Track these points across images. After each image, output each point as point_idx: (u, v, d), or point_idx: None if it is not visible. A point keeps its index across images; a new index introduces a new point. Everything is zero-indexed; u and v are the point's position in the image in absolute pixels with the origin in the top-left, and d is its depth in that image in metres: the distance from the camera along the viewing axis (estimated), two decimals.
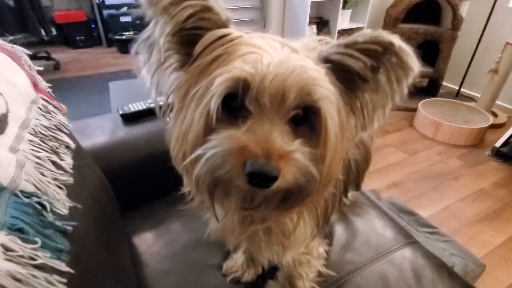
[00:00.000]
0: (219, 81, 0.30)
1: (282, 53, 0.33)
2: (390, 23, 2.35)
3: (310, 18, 2.15)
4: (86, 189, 0.51)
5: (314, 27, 2.31)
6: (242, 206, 0.36)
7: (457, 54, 2.51)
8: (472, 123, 2.07)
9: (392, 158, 1.87)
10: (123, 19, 3.75)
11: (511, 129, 1.95)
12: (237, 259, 0.63)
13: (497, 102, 2.29)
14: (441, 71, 2.44)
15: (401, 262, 0.62)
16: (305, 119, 0.33)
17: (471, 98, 2.55)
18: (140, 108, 0.86)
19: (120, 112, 0.85)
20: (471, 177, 1.75)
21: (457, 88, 2.57)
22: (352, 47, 0.33)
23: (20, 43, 3.00)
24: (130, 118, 0.85)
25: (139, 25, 3.75)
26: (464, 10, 2.28)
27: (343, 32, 2.36)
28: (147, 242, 0.69)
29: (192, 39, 0.35)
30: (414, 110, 2.25)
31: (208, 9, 0.33)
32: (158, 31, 0.35)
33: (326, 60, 0.34)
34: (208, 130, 0.32)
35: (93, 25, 3.89)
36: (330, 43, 0.36)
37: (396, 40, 0.32)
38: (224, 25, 0.35)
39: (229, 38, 0.34)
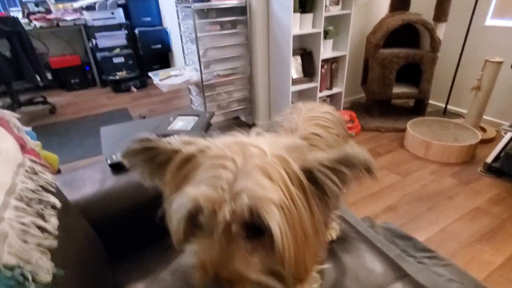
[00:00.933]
0: (176, 207, 0.36)
1: (241, 165, 0.36)
2: (371, 49, 2.45)
3: (294, 50, 2.23)
4: (71, 248, 0.52)
5: (299, 57, 2.40)
6: None
7: (440, 73, 2.59)
8: (461, 140, 2.10)
9: (385, 181, 1.88)
10: (116, 60, 3.87)
11: (500, 143, 1.98)
12: None
13: (485, 117, 2.34)
14: (426, 91, 2.51)
15: None
16: (261, 232, 0.35)
17: (458, 115, 2.61)
18: None
19: (109, 162, 0.87)
20: (465, 195, 1.75)
21: (444, 105, 2.63)
22: (333, 170, 0.37)
23: (17, 89, 3.09)
24: (118, 167, 0.86)
25: (131, 65, 3.88)
26: (441, 32, 2.38)
27: (327, 61, 2.44)
28: None
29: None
30: (404, 130, 2.29)
31: (149, 149, 0.42)
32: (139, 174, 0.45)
33: (306, 170, 0.38)
34: (187, 234, 0.38)
35: (87, 68, 4.02)
36: (314, 155, 0.39)
37: (362, 156, 0.36)
38: (177, 150, 0.41)
39: (188, 158, 0.40)
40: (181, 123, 1.38)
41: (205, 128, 1.33)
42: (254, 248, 0.35)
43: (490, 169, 1.92)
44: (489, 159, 1.94)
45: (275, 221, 0.33)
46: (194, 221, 0.37)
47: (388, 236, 1.27)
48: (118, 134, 1.34)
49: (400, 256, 1.19)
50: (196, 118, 1.42)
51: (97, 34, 3.81)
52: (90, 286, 0.53)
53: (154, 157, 0.43)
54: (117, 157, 0.88)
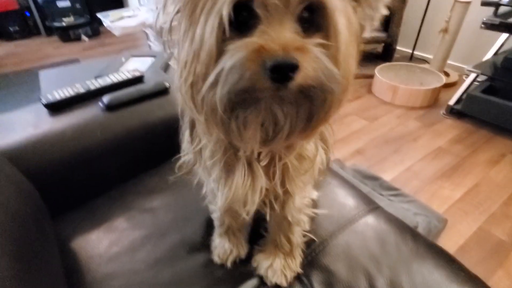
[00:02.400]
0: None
1: None
2: None
3: None
4: None
5: None
6: (264, 137, 0.35)
7: (408, 17, 2.53)
8: (426, 84, 2.12)
9: (353, 126, 1.88)
10: (60, 3, 3.40)
11: (462, 86, 2.01)
12: (223, 244, 0.59)
13: (449, 62, 2.36)
14: (395, 35, 2.46)
15: (364, 230, 0.59)
16: (313, 21, 0.32)
17: (424, 60, 2.61)
18: (67, 95, 0.75)
19: (44, 102, 0.73)
20: (428, 136, 1.80)
21: (411, 51, 2.61)
22: None
23: None
24: (56, 108, 0.74)
25: (79, 10, 3.44)
26: None
27: None
28: (87, 245, 0.60)
29: None
30: (372, 76, 2.26)
31: None
32: None
33: None
34: (221, 45, 0.30)
35: (27, 13, 3.51)
36: None
37: None
38: None
39: None
40: (135, 64, 1.23)
41: (164, 68, 1.19)
42: (309, 32, 0.32)
43: (452, 111, 1.97)
44: (451, 102, 1.98)
45: (336, 3, 0.30)
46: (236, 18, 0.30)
47: (357, 176, 1.28)
48: (59, 79, 1.16)
49: (370, 193, 1.21)
50: (153, 58, 1.26)
51: None
52: (24, 245, 0.44)
53: None
54: (53, 96, 0.74)
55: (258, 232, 0.61)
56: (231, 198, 0.44)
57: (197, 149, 0.46)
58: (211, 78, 0.30)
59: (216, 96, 0.30)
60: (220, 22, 0.29)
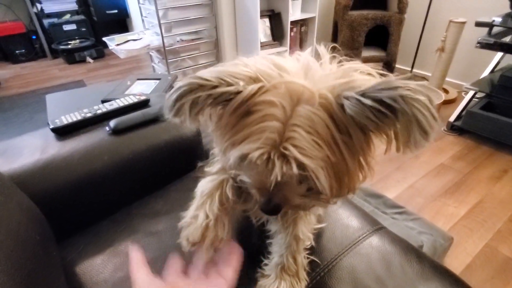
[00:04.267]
0: (232, 159, 0.38)
1: (290, 112, 0.35)
2: (340, 11, 2.37)
3: (261, 12, 2.11)
4: (2, 229, 0.43)
5: (267, 20, 2.27)
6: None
7: (406, 36, 2.59)
8: None
9: None
10: (66, 27, 3.50)
11: (461, 103, 2.04)
12: (196, 215, 0.51)
13: (447, 79, 2.39)
14: (393, 54, 2.51)
15: (368, 252, 0.59)
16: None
17: (423, 78, 2.65)
18: (74, 119, 0.76)
19: (51, 126, 0.75)
20: (430, 153, 1.81)
21: (410, 69, 2.66)
22: (364, 104, 0.31)
23: None
24: (63, 132, 0.75)
25: (84, 32, 3.54)
26: None
27: (296, 23, 2.35)
28: (92, 270, 0.60)
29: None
30: None
31: (203, 87, 0.35)
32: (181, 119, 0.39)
33: (341, 105, 0.34)
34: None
35: (34, 37, 3.60)
36: (350, 89, 0.34)
37: (412, 107, 0.28)
38: (237, 91, 0.36)
39: (246, 98, 0.36)
40: (140, 87, 1.26)
41: (167, 91, 1.22)
42: (302, 178, 0.37)
43: (452, 128, 1.99)
44: (451, 118, 2.00)
45: (322, 180, 0.35)
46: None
47: (360, 195, 1.27)
48: (66, 102, 1.19)
49: (374, 212, 1.20)
50: (157, 81, 1.29)
51: None
52: (33, 272, 0.45)
53: (206, 99, 0.36)
54: (61, 121, 0.76)
55: (257, 257, 0.60)
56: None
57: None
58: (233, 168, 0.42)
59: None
60: (234, 163, 0.39)
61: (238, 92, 0.36)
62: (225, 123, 0.39)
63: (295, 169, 0.34)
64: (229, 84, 0.35)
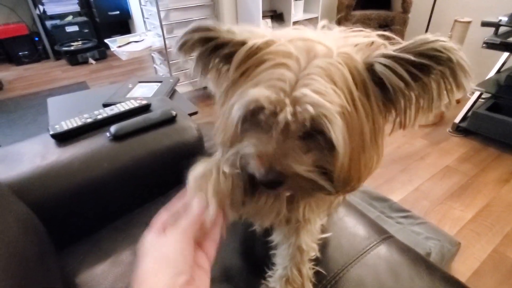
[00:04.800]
0: (237, 107, 0.35)
1: (305, 65, 0.33)
2: (343, 11, 2.35)
3: (263, 12, 2.09)
4: None
5: (269, 20, 2.26)
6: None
7: (410, 36, 2.54)
8: None
9: None
10: (69, 29, 3.50)
11: (467, 104, 2.01)
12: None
13: None
14: None
15: (376, 263, 0.57)
16: (319, 134, 0.34)
17: None
18: (74, 125, 0.75)
19: (51, 132, 0.74)
20: (436, 155, 1.78)
21: None
22: (401, 61, 0.32)
23: None
24: (63, 138, 0.74)
25: (87, 34, 3.54)
26: None
27: (298, 24, 2.33)
28: (93, 281, 0.59)
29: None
30: None
31: (212, 30, 0.36)
32: (192, 68, 0.40)
33: (369, 66, 0.34)
34: (241, 130, 0.37)
35: (36, 38, 3.61)
36: (377, 49, 0.35)
37: (455, 54, 0.30)
38: (244, 41, 0.36)
39: (254, 51, 0.35)
40: (142, 90, 1.24)
41: (170, 94, 1.21)
42: (309, 148, 0.35)
43: (458, 129, 1.96)
44: (457, 120, 1.98)
45: (337, 131, 0.32)
46: (252, 120, 0.36)
47: (365, 198, 1.25)
48: (67, 106, 1.18)
49: (380, 218, 1.18)
50: (159, 84, 1.28)
51: (44, 0, 3.40)
52: (24, 279, 0.43)
53: (213, 50, 0.37)
54: (61, 126, 0.75)
55: (261, 268, 0.59)
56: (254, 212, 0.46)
57: None
58: (227, 155, 0.38)
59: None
60: (238, 120, 0.36)
61: (244, 43, 0.36)
62: (232, 79, 0.37)
63: (310, 109, 0.31)
64: (235, 35, 0.36)
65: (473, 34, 2.15)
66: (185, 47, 0.37)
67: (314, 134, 0.34)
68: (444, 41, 0.30)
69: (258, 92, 0.33)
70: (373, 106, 0.34)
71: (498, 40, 1.58)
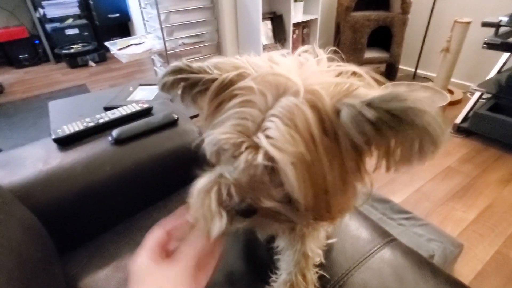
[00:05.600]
0: (206, 144, 0.37)
1: (271, 103, 0.33)
2: (342, 12, 2.35)
3: (263, 14, 2.09)
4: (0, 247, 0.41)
5: (269, 22, 2.26)
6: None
7: (410, 37, 2.57)
8: None
9: None
10: (69, 32, 3.51)
11: (467, 105, 2.01)
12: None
13: (452, 79, 2.36)
14: (397, 55, 2.48)
15: (380, 267, 0.57)
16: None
17: (427, 79, 2.62)
18: (76, 129, 0.75)
19: (53, 137, 0.74)
20: (437, 156, 1.77)
21: (414, 70, 2.63)
22: (364, 117, 0.29)
23: None
24: (65, 142, 0.74)
25: (87, 37, 3.54)
26: None
27: (298, 25, 2.33)
28: (96, 285, 0.59)
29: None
30: None
31: (183, 71, 0.39)
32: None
33: (337, 110, 0.32)
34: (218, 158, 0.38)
35: (37, 41, 3.61)
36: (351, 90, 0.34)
37: (422, 119, 0.27)
38: (213, 78, 0.38)
39: (226, 84, 0.37)
40: (143, 93, 1.24)
41: (171, 97, 1.21)
42: (278, 181, 0.34)
43: (459, 130, 1.96)
44: (458, 120, 1.97)
45: (290, 179, 0.32)
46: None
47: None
48: (69, 109, 1.18)
49: (382, 220, 1.18)
50: None
51: (44, 3, 3.40)
52: (33, 285, 0.43)
53: (191, 86, 0.40)
54: (63, 131, 0.75)
55: (265, 273, 0.58)
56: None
57: None
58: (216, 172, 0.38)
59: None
60: (210, 154, 0.37)
61: (214, 80, 0.38)
62: (208, 111, 0.39)
63: (260, 159, 0.32)
64: (206, 73, 0.38)
65: (473, 34, 2.15)
66: (165, 87, 0.40)
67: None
68: (415, 102, 0.27)
69: (219, 133, 0.34)
70: (342, 149, 0.33)
71: (498, 41, 1.58)
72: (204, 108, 0.39)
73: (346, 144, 0.32)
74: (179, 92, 0.41)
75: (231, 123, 0.34)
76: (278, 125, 0.32)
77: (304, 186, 0.32)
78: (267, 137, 0.32)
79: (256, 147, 0.32)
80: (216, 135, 0.35)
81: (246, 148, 0.33)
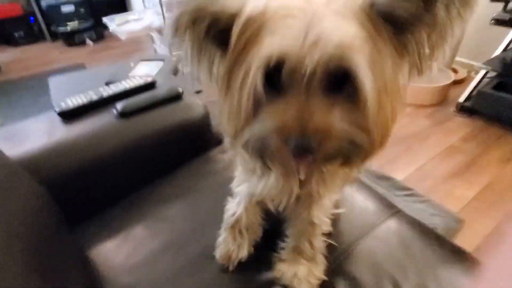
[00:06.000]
0: (255, 64, 0.31)
1: (311, 11, 0.30)
2: None
3: None
4: (14, 215, 0.42)
5: None
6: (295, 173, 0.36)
7: None
8: (435, 82, 2.09)
9: None
10: (64, 8, 3.40)
11: (471, 83, 1.98)
12: (227, 243, 0.59)
13: (456, 58, 2.33)
14: None
15: (387, 236, 0.58)
16: (343, 82, 0.32)
17: None
18: (80, 102, 0.74)
19: (57, 110, 0.73)
20: (439, 135, 1.78)
21: None
22: None
23: None
24: (69, 116, 0.73)
25: (83, 14, 3.45)
26: None
27: None
28: (106, 255, 0.60)
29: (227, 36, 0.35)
30: None
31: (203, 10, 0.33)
32: (187, 53, 0.37)
33: (371, 5, 0.31)
34: (256, 106, 0.33)
35: (32, 18, 3.52)
36: None
37: None
38: (236, 13, 0.33)
39: (253, 19, 0.32)
40: (144, 68, 1.22)
41: (174, 72, 1.19)
42: (336, 103, 0.32)
43: (462, 109, 1.95)
44: (461, 99, 1.96)
45: (362, 68, 0.29)
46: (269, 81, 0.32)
47: (369, 177, 1.26)
48: (69, 85, 1.16)
49: (386, 194, 1.19)
50: (161, 62, 1.26)
51: None
52: (44, 256, 0.44)
53: (207, 31, 0.35)
54: (67, 104, 0.74)
55: (274, 240, 0.60)
56: (266, 193, 0.47)
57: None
58: (244, 137, 0.34)
59: (249, 151, 0.35)
60: (253, 92, 0.32)
61: (235, 15, 0.33)
62: (235, 53, 0.34)
63: (329, 53, 0.28)
64: (225, 8, 0.33)
65: (480, 10, 2.10)
66: (178, 32, 0.35)
67: (338, 88, 0.32)
68: None
69: (277, 42, 0.30)
70: (387, 42, 0.32)
71: (507, 16, 1.54)
72: (230, 49, 0.34)
73: (389, 35, 0.32)
74: (201, 34, 0.35)
75: (278, 35, 0.30)
76: (333, 18, 0.30)
77: (371, 81, 0.30)
78: (329, 28, 0.29)
79: (319, 42, 0.29)
80: (273, 44, 0.30)
81: (310, 46, 0.29)
